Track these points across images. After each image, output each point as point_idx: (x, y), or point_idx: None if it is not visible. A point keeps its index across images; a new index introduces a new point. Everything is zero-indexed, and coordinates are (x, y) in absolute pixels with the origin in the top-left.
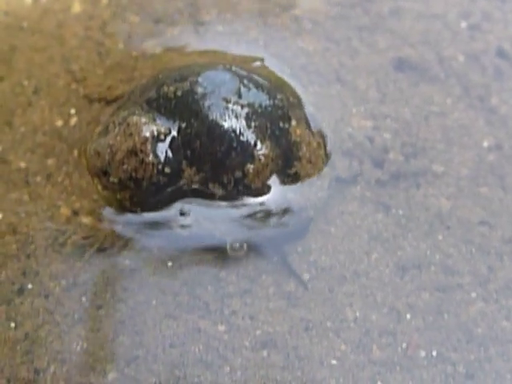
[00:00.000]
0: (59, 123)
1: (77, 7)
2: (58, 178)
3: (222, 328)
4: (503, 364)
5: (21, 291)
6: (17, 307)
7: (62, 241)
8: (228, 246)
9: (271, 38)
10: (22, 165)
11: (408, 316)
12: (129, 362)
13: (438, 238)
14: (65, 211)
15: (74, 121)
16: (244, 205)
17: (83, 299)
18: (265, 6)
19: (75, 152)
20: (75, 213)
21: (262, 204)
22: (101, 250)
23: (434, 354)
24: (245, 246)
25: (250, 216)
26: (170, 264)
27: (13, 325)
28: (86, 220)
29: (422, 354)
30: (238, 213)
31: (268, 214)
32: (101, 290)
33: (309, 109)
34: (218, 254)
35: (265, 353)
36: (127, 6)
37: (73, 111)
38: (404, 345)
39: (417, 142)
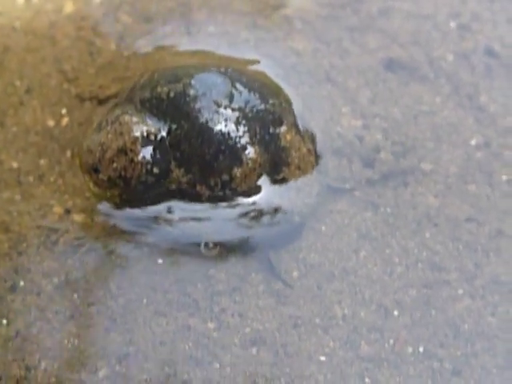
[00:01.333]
0: (51, 123)
1: (69, 7)
2: (50, 177)
3: (211, 325)
4: (489, 359)
5: (13, 288)
6: (8, 304)
7: (54, 239)
8: (202, 245)
9: (262, 38)
10: (15, 165)
11: (396, 312)
12: (120, 359)
13: (426, 236)
14: (57, 210)
15: (65, 121)
16: (230, 206)
17: (75, 296)
18: (256, 6)
19: (68, 152)
20: (68, 211)
21: (247, 206)
22: (92, 248)
23: (421, 349)
24: (218, 246)
25: (237, 217)
26: (160, 262)
27: (4, 322)
28: (78, 218)
29: (410, 350)
30: (225, 213)
31: (254, 217)
32: (92, 288)
33: (298, 109)
34: (201, 253)
35: (254, 350)
36: (119, 6)
37: (64, 111)
38: (391, 341)
39: (406, 141)
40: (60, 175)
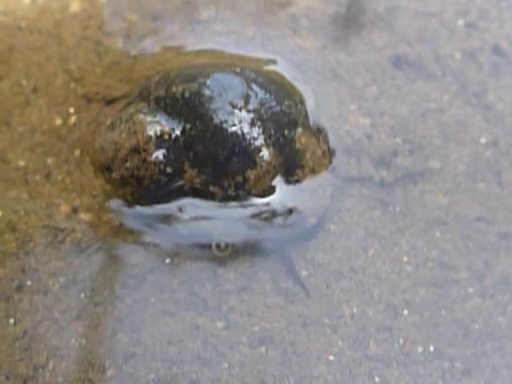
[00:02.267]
0: (58, 122)
1: (75, 6)
2: (57, 176)
3: (219, 325)
4: (499, 359)
5: (20, 288)
6: (16, 304)
7: (61, 238)
8: (213, 246)
9: (268, 36)
10: (21, 163)
11: (405, 312)
12: (127, 358)
13: (435, 235)
14: (64, 209)
15: (73, 120)
16: (243, 206)
17: (82, 296)
18: (262, 4)
19: (77, 151)
20: (75, 210)
21: (260, 207)
22: (99, 247)
23: (431, 349)
24: (230, 246)
25: (249, 217)
26: (167, 261)
27: (12, 321)
28: (85, 217)
29: (419, 349)
30: (237, 214)
31: (267, 217)
32: (99, 287)
33: (311, 108)
34: (208, 253)
35: (263, 349)
36: (126, 5)
37: (72, 110)
38: (401, 340)
39: (414, 139)
40: (68, 174)
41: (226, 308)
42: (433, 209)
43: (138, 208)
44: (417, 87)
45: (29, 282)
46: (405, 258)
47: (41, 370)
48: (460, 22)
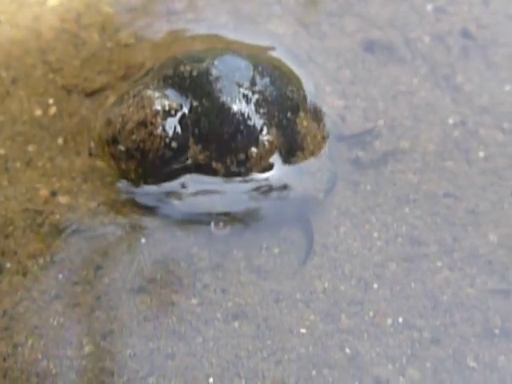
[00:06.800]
0: (38, 113)
1: (53, 0)
2: (38, 162)
3: (194, 301)
4: (468, 329)
5: (0, 270)
6: None
7: (40, 221)
8: (212, 224)
9: (241, 22)
10: (2, 152)
11: (375, 286)
12: (104, 335)
13: (405, 211)
14: (44, 193)
15: (53, 110)
16: (243, 182)
17: (60, 276)
18: None
19: (59, 139)
20: (53, 193)
21: (258, 182)
22: (77, 229)
23: (401, 320)
24: (228, 225)
25: (248, 192)
26: (143, 241)
27: None
28: (63, 200)
29: (389, 321)
30: (237, 189)
31: (265, 192)
32: (77, 268)
33: (310, 94)
34: (190, 230)
35: (236, 324)
36: None
37: (51, 101)
38: (371, 313)
39: (385, 121)
40: (49, 159)
41: (201, 285)
42: (403, 187)
43: (140, 184)
44: (388, 70)
45: (8, 264)
46: (375, 234)
47: (20, 348)
48: (429, 7)
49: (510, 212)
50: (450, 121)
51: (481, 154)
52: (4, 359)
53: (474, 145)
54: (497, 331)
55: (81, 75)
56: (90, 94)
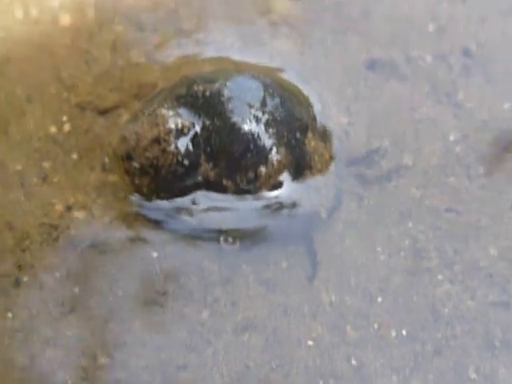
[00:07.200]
0: (53, 130)
1: (65, 20)
2: (53, 178)
3: (205, 314)
4: (469, 341)
5: (17, 284)
6: (13, 299)
7: (56, 235)
8: (221, 240)
9: (247, 42)
10: (18, 167)
11: (380, 299)
12: (118, 347)
13: (408, 225)
14: (59, 207)
15: (67, 127)
16: (252, 199)
17: (75, 290)
18: (242, 13)
19: (74, 155)
20: (69, 208)
21: (268, 200)
22: (91, 243)
23: (404, 333)
24: (237, 241)
25: (257, 209)
26: (155, 255)
27: (10, 315)
28: (78, 214)
29: (393, 333)
30: (247, 206)
31: (273, 209)
32: (92, 282)
33: (318, 112)
34: (201, 245)
35: (246, 336)
36: (112, 17)
37: (65, 118)
38: (376, 325)
39: (388, 137)
40: (64, 175)
41: (211, 299)
42: (406, 202)
43: (153, 198)
44: (390, 87)
45: (25, 278)
46: (379, 248)
47: (38, 359)
48: (430, 26)
49: (509, 225)
50: (452, 137)
51: (481, 170)
52: (22, 370)
53: (474, 160)
54: (497, 343)
55: (93, 92)
56: (103, 112)
